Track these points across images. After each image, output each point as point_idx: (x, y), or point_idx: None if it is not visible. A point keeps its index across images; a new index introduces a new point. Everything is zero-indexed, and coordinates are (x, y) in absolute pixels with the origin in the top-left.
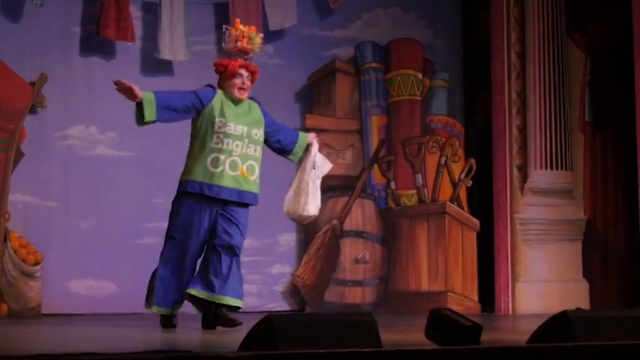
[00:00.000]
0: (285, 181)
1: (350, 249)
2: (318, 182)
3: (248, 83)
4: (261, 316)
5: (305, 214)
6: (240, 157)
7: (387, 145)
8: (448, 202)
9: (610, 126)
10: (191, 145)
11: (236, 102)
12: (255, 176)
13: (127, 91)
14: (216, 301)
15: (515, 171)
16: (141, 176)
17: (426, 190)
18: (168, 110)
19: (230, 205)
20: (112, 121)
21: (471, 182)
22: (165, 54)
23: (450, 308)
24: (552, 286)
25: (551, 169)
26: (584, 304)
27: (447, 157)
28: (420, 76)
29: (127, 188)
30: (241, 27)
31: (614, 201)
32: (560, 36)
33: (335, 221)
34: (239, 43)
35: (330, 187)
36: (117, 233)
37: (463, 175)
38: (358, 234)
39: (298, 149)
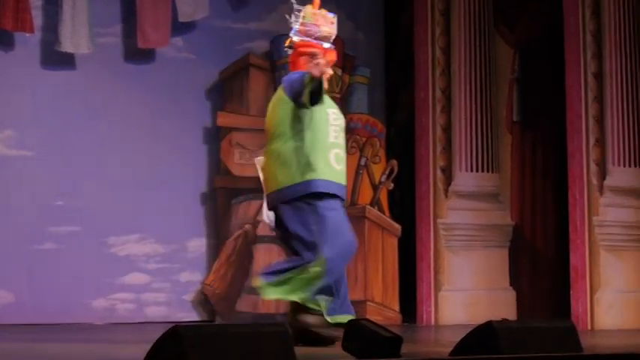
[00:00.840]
0: (192, 181)
1: (264, 256)
2: None
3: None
4: (169, 326)
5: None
6: (341, 149)
7: None
8: (368, 206)
9: (539, 126)
10: (299, 140)
11: None
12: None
13: (319, 68)
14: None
15: (438, 173)
16: (42, 177)
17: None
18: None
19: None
20: (11, 118)
21: (392, 185)
22: (67, 46)
23: (369, 319)
24: (477, 295)
25: (477, 171)
26: (511, 314)
27: (367, 158)
28: (340, 72)
29: (26, 190)
30: (322, 10)
31: (543, 205)
32: (488, 30)
33: (247, 226)
34: (324, 29)
35: (242, 189)
36: (15, 238)
37: (384, 177)
38: (272, 240)
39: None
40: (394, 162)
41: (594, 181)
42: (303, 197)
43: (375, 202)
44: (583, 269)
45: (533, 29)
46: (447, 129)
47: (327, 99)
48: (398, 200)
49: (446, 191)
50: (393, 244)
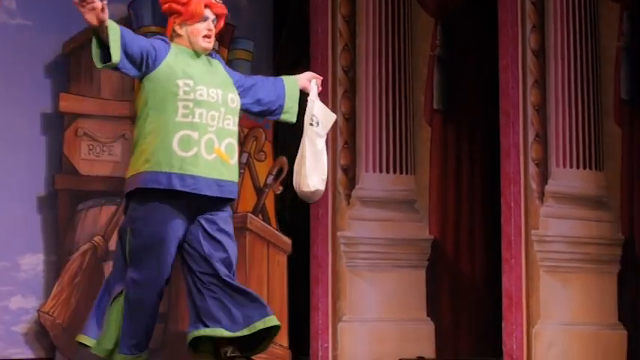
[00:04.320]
0: (26, 181)
1: None
2: (321, 143)
3: (214, 30)
4: None
5: (305, 189)
6: (216, 134)
7: None
8: (250, 215)
9: (466, 116)
10: (140, 125)
11: (197, 56)
12: (235, 160)
13: (95, 11)
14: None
15: (339, 174)
16: None
17: None
18: (125, 56)
19: (208, 203)
20: None
21: (281, 188)
22: None
23: (250, 357)
24: (386, 328)
25: (387, 172)
26: (429, 350)
27: (250, 155)
28: (217, 45)
29: None
30: None
31: (470, 215)
32: None
33: (97, 238)
34: None
35: (91, 191)
36: None
37: (271, 178)
38: None
39: (290, 103)
40: (283, 159)
41: (533, 186)
42: (130, 196)
43: (259, 210)
44: (518, 296)
45: None
46: (351, 118)
47: (185, 63)
48: (288, 207)
49: (348, 197)
50: (281, 262)
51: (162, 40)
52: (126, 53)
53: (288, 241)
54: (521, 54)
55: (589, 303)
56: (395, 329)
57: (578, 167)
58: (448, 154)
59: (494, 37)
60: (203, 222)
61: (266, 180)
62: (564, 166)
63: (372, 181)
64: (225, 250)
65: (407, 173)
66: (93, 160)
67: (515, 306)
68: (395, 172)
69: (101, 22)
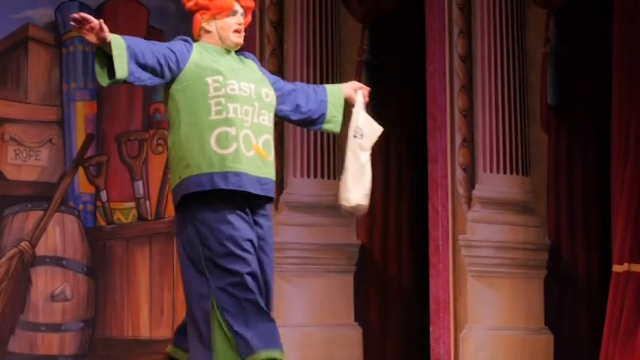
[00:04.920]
0: None
1: (44, 281)
2: (365, 156)
3: (244, 23)
4: None
5: (346, 204)
6: (252, 130)
7: (96, 142)
8: None
9: (395, 120)
10: (174, 133)
11: (226, 52)
12: (272, 157)
13: (94, 31)
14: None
15: None
16: None
17: (148, 202)
18: (139, 68)
19: (255, 203)
20: None
21: None
22: None
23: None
24: (314, 333)
25: (314, 176)
26: (357, 355)
27: None
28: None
29: None
30: None
31: (398, 220)
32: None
33: (24, 244)
34: None
35: (18, 196)
36: None
37: None
38: (56, 261)
39: (334, 112)
40: None
41: (460, 191)
42: (180, 205)
43: None
44: (446, 301)
45: (387, 1)
46: (278, 123)
47: (212, 60)
48: None
49: (276, 202)
50: None
51: (183, 39)
52: (139, 64)
53: None
54: (449, 59)
55: (516, 308)
56: (323, 334)
57: (505, 172)
58: (375, 158)
59: (421, 41)
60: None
61: None
62: (491, 171)
63: (299, 186)
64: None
65: (332, 178)
66: (20, 164)
67: (442, 311)
68: (323, 177)
69: (103, 40)
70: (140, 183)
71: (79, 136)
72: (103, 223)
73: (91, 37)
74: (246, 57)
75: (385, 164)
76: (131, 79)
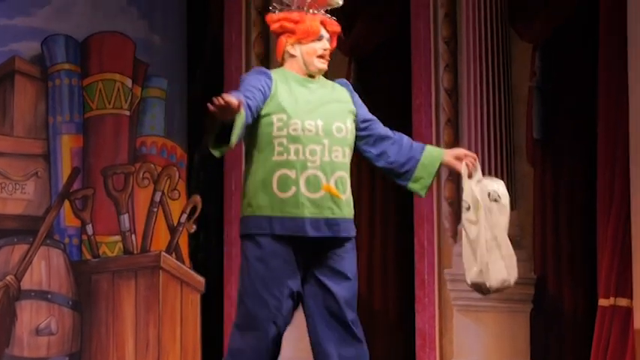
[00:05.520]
0: None
1: (29, 315)
2: (474, 231)
3: (330, 49)
4: None
5: (468, 282)
6: (322, 169)
7: (82, 176)
8: (164, 254)
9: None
10: (246, 168)
11: (309, 80)
12: (347, 194)
13: (233, 112)
14: None
15: None
16: None
17: (134, 236)
18: (254, 109)
19: (320, 245)
20: None
21: (194, 227)
22: None
23: None
24: None
25: None
26: None
27: (164, 193)
28: (130, 82)
29: None
30: None
31: (383, 254)
32: None
33: (10, 277)
34: None
35: (3, 230)
36: None
37: (185, 217)
38: (41, 295)
39: (423, 173)
40: (197, 198)
41: (446, 225)
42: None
43: (172, 249)
44: (432, 335)
45: (374, 35)
46: None
47: (287, 93)
48: (202, 246)
49: None
50: (194, 301)
51: (264, 73)
52: (252, 108)
53: (201, 280)
54: (435, 93)
55: (502, 342)
56: None
57: None
58: (360, 192)
59: (408, 76)
60: (316, 265)
61: (180, 219)
62: None
63: None
64: (328, 291)
65: None
66: (5, 198)
67: (428, 346)
68: None
69: (235, 114)
70: (126, 216)
71: (64, 170)
72: (88, 256)
73: (226, 117)
74: (340, 84)
75: (370, 196)
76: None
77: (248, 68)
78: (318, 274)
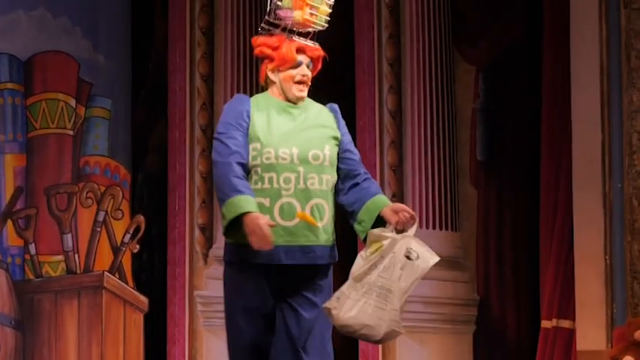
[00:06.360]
0: None
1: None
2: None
3: (309, 75)
4: None
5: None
6: (296, 197)
7: (25, 195)
8: (107, 273)
9: None
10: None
11: (291, 106)
12: (325, 221)
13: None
14: None
15: (197, 233)
16: None
17: (77, 256)
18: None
19: (296, 273)
20: None
21: (138, 247)
22: None
23: None
24: None
25: None
26: None
27: (107, 213)
28: (73, 102)
29: None
30: None
31: None
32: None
33: None
34: (297, 13)
35: None
36: None
37: (128, 237)
38: (6, 320)
39: (364, 216)
40: (141, 218)
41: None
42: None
43: (115, 269)
44: (375, 357)
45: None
46: (208, 177)
47: (262, 121)
48: (145, 266)
49: (205, 256)
50: (137, 321)
51: (242, 102)
52: (244, 165)
53: (144, 300)
54: (378, 115)
55: None
56: None
57: (434, 228)
58: None
59: (352, 97)
60: (292, 292)
61: (123, 238)
62: (420, 226)
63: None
64: (298, 322)
65: None
66: None
67: None
68: None
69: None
70: (69, 236)
71: (7, 189)
72: (31, 276)
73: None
74: (329, 109)
75: None
76: None
77: (192, 89)
78: (291, 300)
